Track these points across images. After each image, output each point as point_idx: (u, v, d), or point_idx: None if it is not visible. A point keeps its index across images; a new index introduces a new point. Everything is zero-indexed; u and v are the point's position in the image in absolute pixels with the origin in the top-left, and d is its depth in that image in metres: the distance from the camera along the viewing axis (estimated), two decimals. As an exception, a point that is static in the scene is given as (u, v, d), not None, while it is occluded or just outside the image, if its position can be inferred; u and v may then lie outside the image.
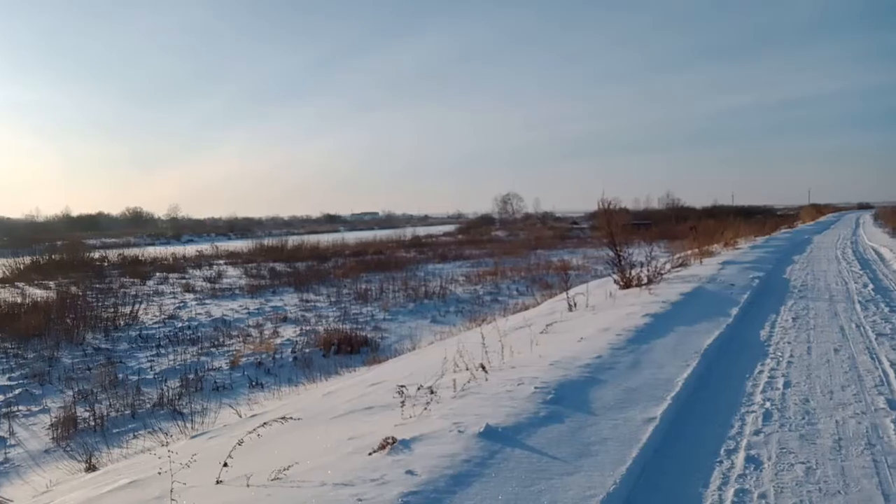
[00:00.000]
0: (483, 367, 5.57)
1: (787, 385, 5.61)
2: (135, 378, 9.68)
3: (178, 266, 29.42)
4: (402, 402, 4.70)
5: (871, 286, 11.86)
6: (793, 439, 4.29)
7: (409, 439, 3.91)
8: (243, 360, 10.78)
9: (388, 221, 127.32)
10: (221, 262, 32.46)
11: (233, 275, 25.92)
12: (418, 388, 5.11)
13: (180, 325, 14.40)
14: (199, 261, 32.81)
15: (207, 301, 18.31)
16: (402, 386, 5.01)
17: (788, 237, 29.41)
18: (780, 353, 6.82)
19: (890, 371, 5.92)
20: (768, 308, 9.81)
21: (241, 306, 17.11)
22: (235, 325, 14.44)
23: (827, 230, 37.03)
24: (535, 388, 4.98)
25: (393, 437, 3.90)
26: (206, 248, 40.88)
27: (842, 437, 4.30)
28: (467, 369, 5.67)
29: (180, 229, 79.27)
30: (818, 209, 75.87)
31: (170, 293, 20.22)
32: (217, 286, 21.72)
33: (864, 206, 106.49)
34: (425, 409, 4.62)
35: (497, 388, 5.06)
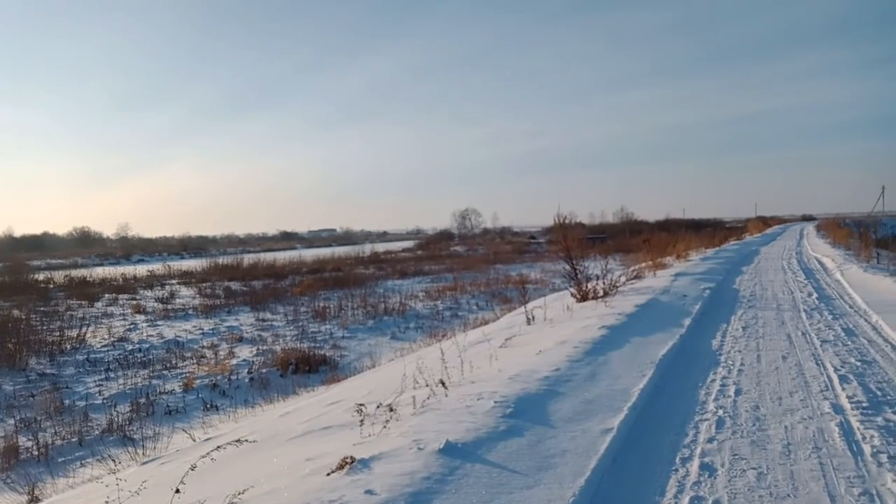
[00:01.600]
0: (443, 383, 5.56)
1: (738, 392, 5.77)
2: (82, 404, 9.32)
3: (128, 287, 28.55)
4: (361, 420, 4.65)
5: (815, 295, 12.33)
6: (744, 445, 4.40)
7: (369, 458, 3.86)
8: (197, 382, 10.51)
9: (347, 238, 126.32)
10: (174, 281, 31.63)
11: (186, 295, 25.29)
12: (378, 406, 5.07)
13: (131, 347, 13.95)
14: (151, 281, 31.90)
15: (159, 322, 17.79)
16: (361, 404, 4.96)
17: (737, 249, 30.36)
18: (731, 362, 7.01)
19: (834, 377, 6.14)
20: (719, 318, 10.08)
21: (194, 327, 16.68)
22: (189, 346, 14.07)
23: (773, 241, 38.40)
24: (495, 402, 4.99)
25: (352, 457, 3.85)
26: (157, 267, 39.77)
27: (790, 442, 4.43)
28: (427, 385, 5.65)
29: (130, 249, 76.91)
30: (765, 221, 78.66)
31: (119, 315, 19.58)
32: (169, 307, 21.14)
33: (807, 218, 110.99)
34: (385, 426, 4.57)
35: (457, 404, 5.05)
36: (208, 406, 9.30)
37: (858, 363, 6.67)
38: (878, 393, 5.56)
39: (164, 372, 11.45)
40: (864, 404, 5.21)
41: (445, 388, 5.51)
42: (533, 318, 10.40)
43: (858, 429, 4.63)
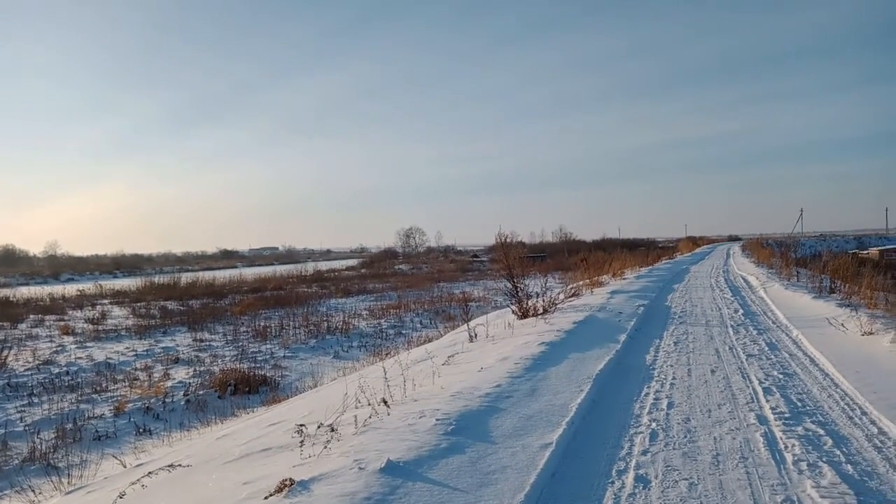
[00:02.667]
0: (385, 402, 5.54)
1: (670, 406, 5.99)
2: (1, 432, 8.78)
3: (55, 307, 27.18)
4: (302, 441, 4.59)
5: (741, 311, 12.93)
6: (677, 457, 4.58)
7: (308, 480, 3.82)
8: (129, 405, 10.08)
9: (289, 256, 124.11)
10: (106, 301, 30.32)
11: (119, 315, 24.26)
12: (318, 426, 5.01)
13: (57, 370, 13.25)
14: (81, 301, 30.46)
15: (89, 344, 16.97)
16: (302, 425, 4.90)
17: (669, 267, 31.51)
18: (663, 376, 7.27)
19: (759, 389, 6.46)
20: (653, 334, 10.44)
21: (127, 348, 16.01)
22: (121, 368, 13.48)
23: (702, 260, 40.02)
24: (437, 420, 5.02)
25: (291, 479, 3.79)
26: (88, 286, 38.07)
27: (719, 453, 4.63)
28: (369, 404, 5.62)
29: (59, 267, 73.19)
30: (694, 241, 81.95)
31: (46, 336, 18.58)
32: (101, 328, 20.21)
33: (733, 239, 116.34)
34: (325, 447, 4.53)
35: (399, 423, 5.05)
36: (141, 430, 8.93)
37: (781, 376, 7.04)
38: (799, 404, 5.88)
39: (94, 395, 10.92)
40: (787, 415, 5.51)
41: (388, 406, 5.50)
42: (475, 335, 10.50)
43: (781, 438, 4.89)
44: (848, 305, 11.31)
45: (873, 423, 5.24)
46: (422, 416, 5.19)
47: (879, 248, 58.48)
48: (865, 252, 50.66)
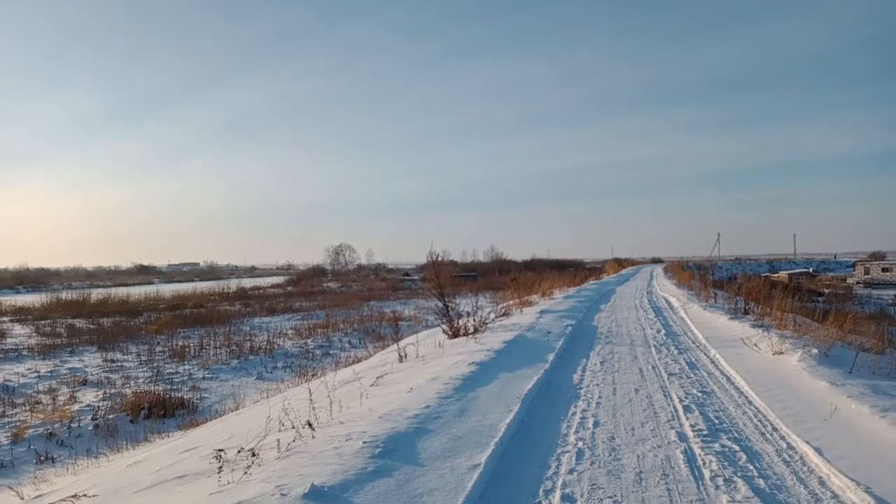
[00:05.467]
0: (310, 425, 5.36)
1: (596, 424, 6.08)
2: None
3: (-54, 325, 25.08)
4: (220, 467, 4.36)
5: (663, 331, 13.40)
6: (602, 475, 4.63)
7: (226, 508, 3.61)
8: (30, 431, 9.38)
9: (211, 272, 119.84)
10: (6, 318, 28.24)
11: (20, 333, 22.65)
12: (238, 451, 4.78)
13: (-54, 394, 12.17)
14: (-23, 318, 28.24)
15: (-15, 365, 15.71)
16: (221, 450, 4.66)
17: (596, 288, 32.40)
18: (590, 395, 7.39)
19: (679, 407, 6.68)
20: (580, 353, 10.64)
21: (29, 369, 14.94)
22: (21, 391, 12.55)
23: (628, 281, 41.42)
24: (364, 442, 4.89)
25: (207, 508, 3.58)
26: (-14, 302, 35.37)
27: (642, 470, 4.72)
28: (293, 427, 5.42)
29: (-51, 282, 67.76)
30: (620, 263, 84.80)
31: (-66, 357, 17.08)
32: (-1, 347, 18.78)
33: (656, 261, 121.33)
34: (245, 472, 4.32)
35: (324, 446, 4.89)
36: (42, 458, 8.31)
37: (700, 394, 7.30)
38: (717, 421, 6.10)
39: (-12, 421, 10.09)
40: (705, 432, 5.70)
41: (313, 429, 5.32)
42: (405, 355, 10.39)
43: (700, 455, 5.04)
44: (761, 326, 11.93)
45: (783, 438, 5.50)
46: (348, 438, 5.05)
47: (789, 271, 62.54)
48: (776, 275, 53.98)
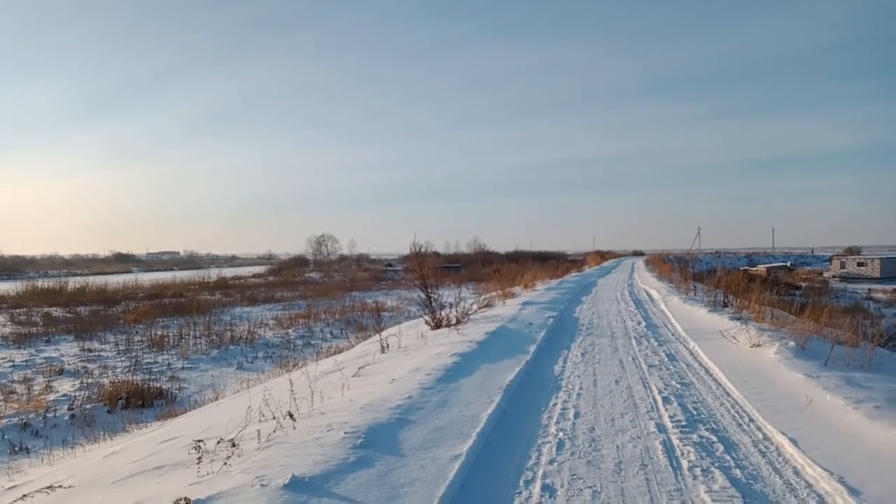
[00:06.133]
0: (291, 415, 5.33)
1: (576, 415, 6.13)
2: None
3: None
4: (199, 457, 4.33)
5: (643, 324, 13.53)
6: (581, 465, 4.67)
7: (206, 499, 3.59)
8: (4, 421, 9.25)
9: (191, 262, 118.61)
10: (-21, 307, 27.72)
11: (-5, 322, 22.24)
12: (218, 442, 4.74)
13: (-82, 383, 11.94)
14: (-51, 306, 27.70)
15: (-42, 354, 15.43)
16: (200, 440, 4.62)
17: (578, 280, 32.59)
18: (571, 386, 7.45)
19: (658, 398, 6.75)
20: (561, 345, 10.70)
21: (3, 358, 14.70)
22: (-5, 381, 12.32)
23: (609, 274, 41.72)
24: (345, 433, 4.88)
25: (186, 499, 3.56)
26: (-41, 290, 34.67)
27: (621, 461, 4.77)
28: (274, 418, 5.39)
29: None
30: (602, 255, 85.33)
31: None
32: (-27, 336, 18.44)
33: (637, 253, 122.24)
34: (225, 463, 4.29)
35: (305, 436, 4.87)
36: (16, 448, 8.18)
37: (679, 385, 7.39)
38: (695, 412, 6.18)
39: (-38, 411, 9.91)
40: (683, 423, 5.77)
41: (294, 420, 5.30)
42: (387, 345, 10.38)
43: (678, 446, 5.11)
44: (739, 319, 12.08)
45: (759, 429, 5.58)
46: (329, 429, 5.03)
47: (767, 265, 63.44)
48: (755, 269, 54.74)
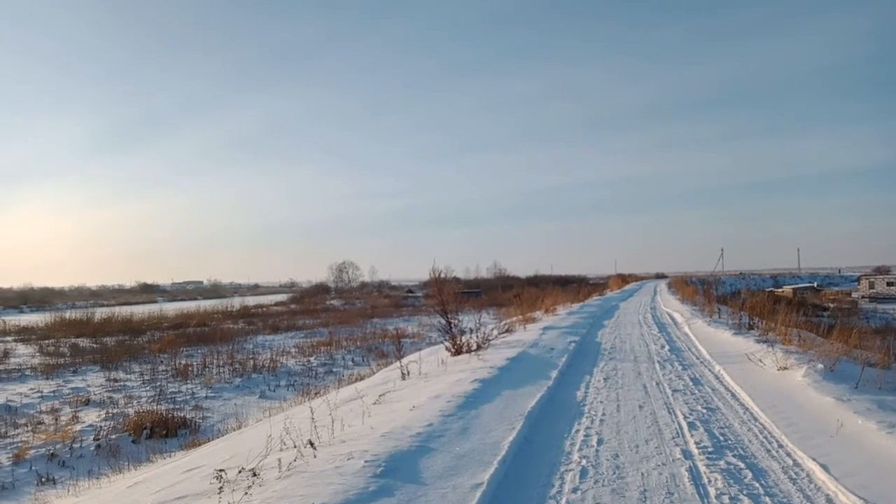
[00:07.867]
0: (311, 444, 5.32)
1: (600, 442, 6.03)
2: None
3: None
4: (220, 488, 4.33)
5: (667, 347, 13.33)
6: (606, 494, 4.58)
7: (226, 529, 3.58)
8: (32, 452, 9.34)
9: (215, 291, 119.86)
10: (9, 338, 28.24)
11: (24, 353, 22.63)
12: (239, 471, 4.75)
13: (-52, 415, 12.14)
14: (-21, 338, 28.25)
15: (-12, 385, 15.69)
16: (222, 470, 4.63)
17: (599, 304, 32.30)
18: (594, 412, 7.34)
19: (684, 424, 6.62)
20: (583, 370, 10.58)
21: (32, 389, 14.90)
22: (23, 411, 12.51)
23: (631, 297, 41.27)
24: (366, 461, 4.85)
25: (207, 529, 3.55)
26: (-11, 322, 35.38)
27: (647, 489, 4.67)
28: (295, 447, 5.38)
29: (-50, 303, 67.76)
30: (623, 278, 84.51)
31: (-63, 377, 17.06)
32: (2, 367, 18.75)
33: (660, 276, 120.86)
34: (246, 493, 4.28)
35: (326, 465, 4.85)
36: (44, 479, 8.25)
37: (704, 410, 7.24)
38: (721, 438, 6.05)
39: (-10, 442, 10.05)
40: (710, 449, 5.64)
41: (314, 448, 5.29)
42: (408, 372, 10.35)
43: (705, 472, 4.99)
44: (765, 341, 11.85)
45: (788, 455, 5.44)
46: (350, 457, 5.01)
47: (793, 286, 62.31)
48: (780, 290, 53.80)
